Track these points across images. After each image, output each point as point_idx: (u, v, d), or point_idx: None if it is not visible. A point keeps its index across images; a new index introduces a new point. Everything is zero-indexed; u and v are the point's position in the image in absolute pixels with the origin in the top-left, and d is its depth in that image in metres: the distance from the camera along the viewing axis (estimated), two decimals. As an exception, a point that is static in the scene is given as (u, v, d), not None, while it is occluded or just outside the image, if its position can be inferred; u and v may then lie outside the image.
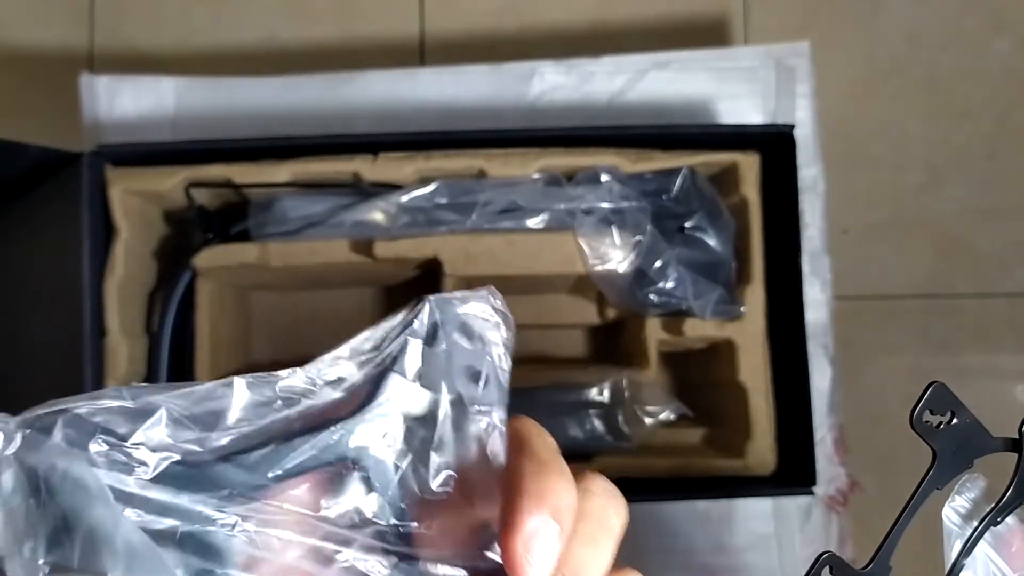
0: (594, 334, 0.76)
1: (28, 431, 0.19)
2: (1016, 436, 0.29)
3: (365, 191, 0.65)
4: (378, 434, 0.22)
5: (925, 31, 0.88)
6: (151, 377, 0.66)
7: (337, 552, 0.21)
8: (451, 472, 0.22)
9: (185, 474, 0.20)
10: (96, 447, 0.19)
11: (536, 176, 0.65)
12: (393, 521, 0.21)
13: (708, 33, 0.88)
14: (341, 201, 0.65)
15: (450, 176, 0.65)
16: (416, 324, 0.22)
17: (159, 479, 0.20)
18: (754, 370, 0.64)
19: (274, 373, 0.21)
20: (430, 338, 0.22)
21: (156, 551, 0.19)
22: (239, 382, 0.21)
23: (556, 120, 0.73)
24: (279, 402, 0.21)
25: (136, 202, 0.66)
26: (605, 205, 0.64)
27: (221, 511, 0.20)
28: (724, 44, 0.88)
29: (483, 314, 0.23)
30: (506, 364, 0.23)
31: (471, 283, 0.68)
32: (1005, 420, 0.30)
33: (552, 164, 0.65)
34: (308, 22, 0.90)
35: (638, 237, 0.64)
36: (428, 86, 0.74)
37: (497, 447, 0.22)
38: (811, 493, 0.63)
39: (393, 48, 0.89)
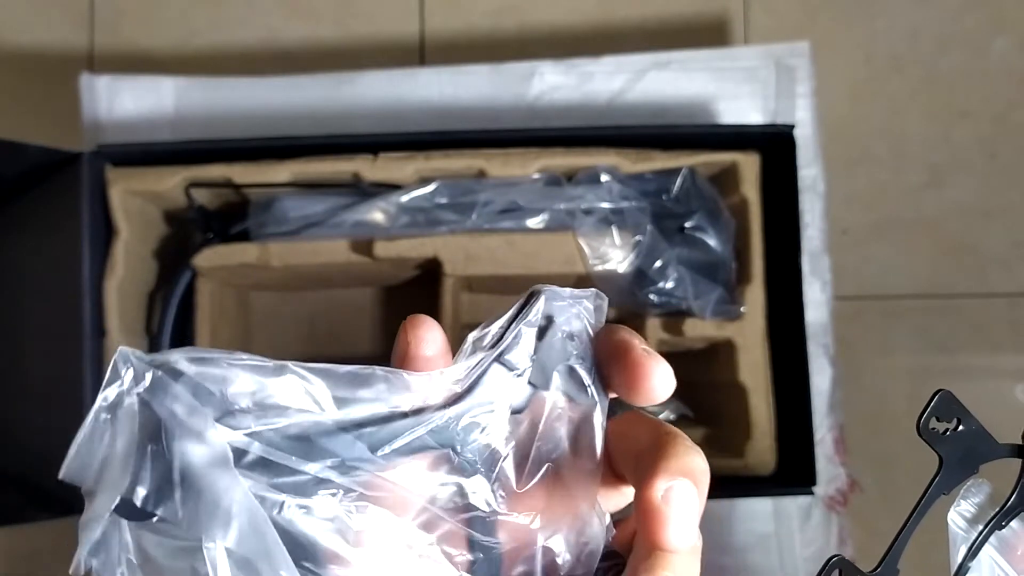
0: (594, 334, 0.76)
1: (159, 372, 0.19)
2: (1020, 442, 0.29)
3: (365, 191, 0.65)
4: (482, 422, 0.22)
5: (925, 31, 0.88)
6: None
7: (426, 541, 0.21)
8: (551, 465, 0.22)
9: (298, 440, 0.20)
10: (219, 400, 0.19)
11: (536, 176, 0.65)
12: (489, 508, 0.22)
13: (708, 33, 0.88)
14: (341, 201, 0.65)
15: (450, 176, 0.65)
16: (531, 315, 0.22)
17: (274, 442, 0.20)
18: (754, 370, 0.64)
19: (413, 373, 0.21)
20: (542, 330, 0.22)
21: (268, 524, 0.19)
22: (379, 374, 0.21)
23: (556, 120, 0.73)
24: (405, 392, 0.21)
25: (136, 202, 0.66)
26: (605, 205, 0.64)
27: (328, 479, 0.20)
28: (724, 44, 0.88)
29: (590, 312, 0.23)
30: None
31: (471, 283, 0.68)
32: (1005, 420, 0.30)
33: (552, 164, 0.65)
34: (308, 22, 0.90)
35: (638, 237, 0.64)
36: (428, 86, 0.74)
37: (598, 443, 0.23)
38: (811, 493, 0.63)
39: (393, 48, 0.89)
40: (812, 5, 0.89)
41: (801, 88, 0.73)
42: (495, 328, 0.22)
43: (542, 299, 0.22)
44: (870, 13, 0.88)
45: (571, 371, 0.22)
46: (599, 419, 0.23)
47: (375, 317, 0.76)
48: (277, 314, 0.76)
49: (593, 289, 0.23)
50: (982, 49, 0.88)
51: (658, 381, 0.22)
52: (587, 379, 0.23)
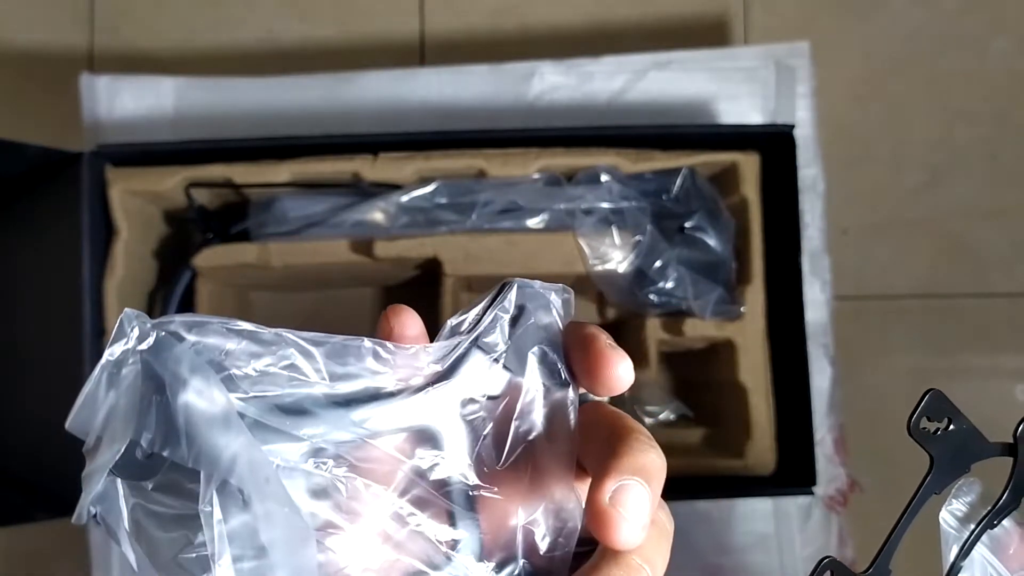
0: (594, 334, 0.76)
1: (163, 333, 0.20)
2: (1011, 440, 0.29)
3: (365, 191, 0.65)
4: (463, 402, 0.23)
5: (925, 31, 0.88)
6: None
7: (411, 514, 0.22)
8: (528, 446, 0.23)
9: (291, 409, 0.21)
10: (217, 365, 0.20)
11: (536, 176, 0.65)
12: (472, 482, 0.23)
13: (708, 33, 0.88)
14: (341, 201, 0.65)
15: (450, 176, 0.65)
16: (505, 303, 0.23)
17: (267, 409, 0.20)
18: (754, 370, 0.64)
19: (400, 345, 0.22)
20: (515, 319, 0.23)
21: (274, 471, 0.19)
22: (368, 345, 0.22)
23: (556, 120, 0.73)
24: (390, 368, 0.22)
25: (136, 202, 0.66)
26: (605, 205, 0.64)
27: (320, 447, 0.21)
28: (724, 44, 0.87)
29: (559, 303, 0.24)
30: None
31: (471, 283, 0.68)
32: (1005, 420, 0.30)
33: (552, 164, 0.65)
34: (308, 22, 0.90)
35: (638, 237, 0.64)
36: (428, 86, 0.74)
37: (572, 424, 0.23)
38: (811, 493, 0.63)
39: (393, 48, 0.89)
40: (812, 5, 0.89)
41: (801, 88, 0.73)
42: (472, 315, 0.23)
43: (514, 289, 0.23)
44: (870, 13, 0.88)
45: (544, 356, 0.24)
46: (572, 403, 0.24)
47: (375, 317, 0.76)
48: (277, 314, 0.76)
49: (561, 284, 0.24)
50: (982, 49, 0.88)
51: (620, 371, 0.23)
52: (560, 364, 0.24)
